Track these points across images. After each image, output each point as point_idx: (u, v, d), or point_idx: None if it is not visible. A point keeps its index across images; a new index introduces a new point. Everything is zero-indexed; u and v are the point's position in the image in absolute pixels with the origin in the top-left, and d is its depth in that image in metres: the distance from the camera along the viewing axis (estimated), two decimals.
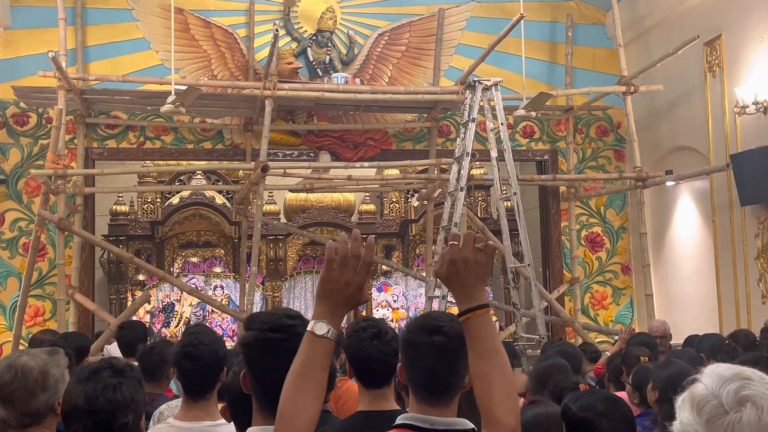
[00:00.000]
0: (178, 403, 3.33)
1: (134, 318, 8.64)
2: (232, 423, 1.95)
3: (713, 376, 1.48)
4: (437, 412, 2.10)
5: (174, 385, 4.56)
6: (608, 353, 5.83)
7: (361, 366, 2.67)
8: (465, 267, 1.82)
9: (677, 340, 6.75)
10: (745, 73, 7.36)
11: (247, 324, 2.04)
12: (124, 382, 2.11)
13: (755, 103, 7.03)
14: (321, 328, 1.75)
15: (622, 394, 4.27)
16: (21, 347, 7.50)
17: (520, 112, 7.69)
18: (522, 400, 3.42)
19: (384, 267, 10.75)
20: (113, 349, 6.39)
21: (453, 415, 2.15)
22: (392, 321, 11.11)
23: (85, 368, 2.20)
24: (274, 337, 1.84)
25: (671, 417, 3.34)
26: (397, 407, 2.59)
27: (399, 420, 2.13)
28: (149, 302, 10.40)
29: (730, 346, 4.68)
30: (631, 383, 4.00)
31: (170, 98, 6.90)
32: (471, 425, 2.14)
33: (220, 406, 2.94)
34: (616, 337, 6.64)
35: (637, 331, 8.20)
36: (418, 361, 2.14)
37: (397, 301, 11.27)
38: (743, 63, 7.42)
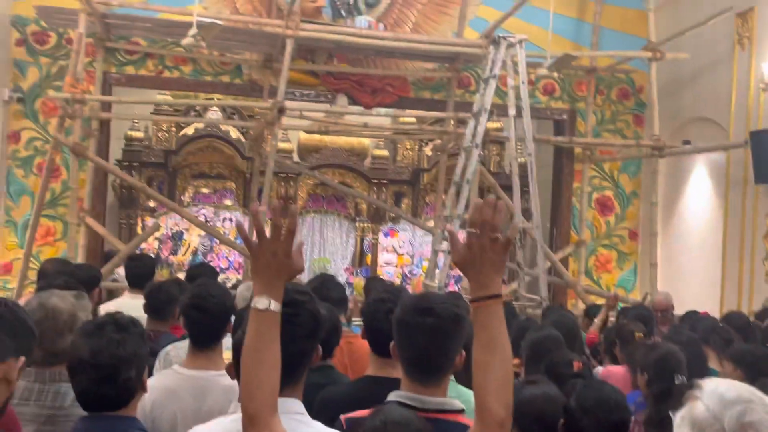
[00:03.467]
0: (184, 344, 3.34)
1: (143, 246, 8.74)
2: (235, 381, 2.00)
3: (714, 396, 1.48)
4: (428, 392, 2.17)
5: None
6: (597, 319, 5.84)
7: (372, 336, 2.76)
8: (481, 255, 1.83)
9: (678, 311, 6.79)
10: None
11: None
12: (127, 337, 2.18)
13: None
14: (262, 303, 1.82)
15: (617, 369, 4.36)
16: (31, 265, 7.64)
17: (543, 71, 7.61)
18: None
19: (392, 215, 10.78)
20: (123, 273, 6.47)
21: (443, 395, 2.21)
22: (397, 266, 11.22)
23: (90, 322, 2.27)
24: (284, 312, 1.89)
25: (662, 398, 3.41)
26: None
27: (391, 397, 2.19)
28: (158, 229, 10.50)
29: (724, 329, 4.74)
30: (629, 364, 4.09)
31: (191, 31, 6.83)
32: (461, 406, 2.21)
33: (226, 361, 3.00)
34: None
35: (639, 297, 8.30)
36: (410, 341, 2.19)
37: (403, 247, 11.34)
38: None
